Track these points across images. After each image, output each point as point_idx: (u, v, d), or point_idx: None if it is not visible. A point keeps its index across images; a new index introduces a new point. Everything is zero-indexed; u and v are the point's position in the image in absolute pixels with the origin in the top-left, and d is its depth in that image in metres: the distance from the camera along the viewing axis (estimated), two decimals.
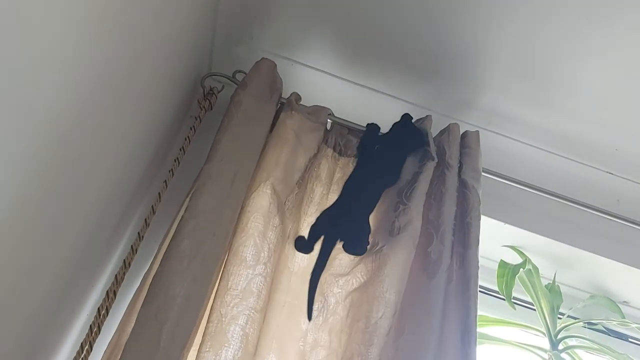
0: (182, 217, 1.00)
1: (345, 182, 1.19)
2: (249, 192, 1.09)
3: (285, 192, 1.12)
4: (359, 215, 1.15)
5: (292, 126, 1.20)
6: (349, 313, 1.05)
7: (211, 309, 0.97)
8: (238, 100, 1.16)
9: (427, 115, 1.31)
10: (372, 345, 0.98)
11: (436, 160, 1.23)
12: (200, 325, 0.98)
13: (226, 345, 0.93)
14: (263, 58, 1.25)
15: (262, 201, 1.08)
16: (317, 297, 1.07)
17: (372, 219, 1.16)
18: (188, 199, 1.04)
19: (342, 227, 1.12)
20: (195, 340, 0.97)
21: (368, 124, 1.29)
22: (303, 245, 1.11)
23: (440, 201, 1.17)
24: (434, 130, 1.33)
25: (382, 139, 1.27)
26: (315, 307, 1.06)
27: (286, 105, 1.25)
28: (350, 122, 1.30)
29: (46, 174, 0.70)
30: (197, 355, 0.93)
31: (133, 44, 0.85)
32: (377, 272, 1.06)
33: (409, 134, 1.26)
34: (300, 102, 1.29)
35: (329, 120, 1.29)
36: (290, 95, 1.26)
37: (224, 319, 0.95)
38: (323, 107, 1.29)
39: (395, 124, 1.28)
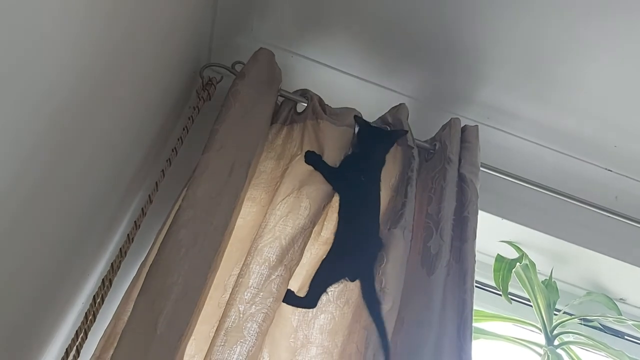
0: (180, 206, 1.00)
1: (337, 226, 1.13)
2: (279, 197, 1.10)
3: (321, 198, 1.13)
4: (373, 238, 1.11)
5: (321, 138, 1.19)
6: (343, 313, 1.05)
7: (228, 305, 0.98)
8: (236, 90, 1.16)
9: (401, 104, 1.30)
10: (370, 343, 0.98)
11: (415, 148, 1.23)
12: (212, 319, 0.99)
13: (242, 341, 0.94)
14: (261, 48, 1.24)
15: (294, 207, 1.09)
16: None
17: None
18: (185, 189, 1.04)
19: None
20: (202, 331, 0.98)
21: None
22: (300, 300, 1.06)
23: (440, 196, 1.17)
24: (433, 124, 1.32)
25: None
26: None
27: (309, 112, 1.23)
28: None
29: (43, 163, 0.70)
30: (209, 349, 0.93)
31: (133, 34, 0.85)
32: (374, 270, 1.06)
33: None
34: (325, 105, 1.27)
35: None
36: (311, 98, 1.25)
37: (242, 316, 0.96)
38: (348, 108, 1.27)
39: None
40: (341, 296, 1.07)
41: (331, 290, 1.07)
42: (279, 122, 1.24)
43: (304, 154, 1.16)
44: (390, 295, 1.03)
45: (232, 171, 1.06)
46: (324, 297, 1.06)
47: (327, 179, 1.14)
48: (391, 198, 1.18)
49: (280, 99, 1.27)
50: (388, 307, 1.02)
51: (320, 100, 1.26)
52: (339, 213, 1.13)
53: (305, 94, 1.27)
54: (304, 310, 1.05)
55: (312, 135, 1.20)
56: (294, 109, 1.27)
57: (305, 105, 1.25)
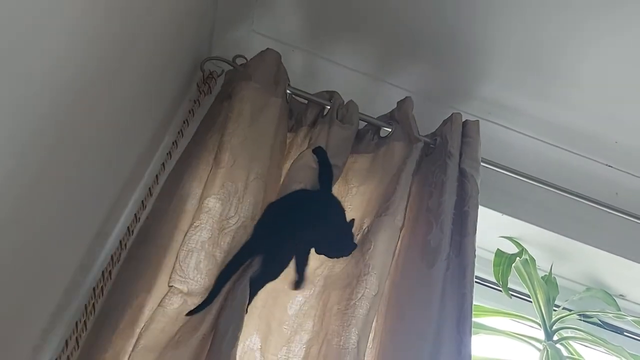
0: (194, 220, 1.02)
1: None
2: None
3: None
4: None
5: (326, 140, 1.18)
6: (333, 297, 1.06)
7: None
8: (243, 96, 1.14)
9: (406, 97, 1.28)
10: (350, 326, 0.99)
11: (422, 141, 1.23)
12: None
13: None
14: (268, 49, 1.23)
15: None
16: (309, 285, 1.08)
17: (362, 199, 1.17)
18: (200, 201, 1.04)
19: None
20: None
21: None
22: None
23: (440, 190, 1.16)
24: (433, 119, 1.32)
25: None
26: (305, 294, 1.07)
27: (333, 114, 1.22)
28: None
29: (37, 158, 0.70)
30: None
31: (133, 25, 0.85)
32: (362, 254, 1.07)
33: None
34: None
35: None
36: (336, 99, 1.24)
37: None
38: (352, 105, 1.25)
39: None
40: (331, 280, 1.08)
41: (320, 275, 1.09)
42: (307, 125, 1.24)
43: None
44: (372, 281, 1.03)
45: (247, 186, 1.06)
46: (319, 284, 1.08)
47: (321, 177, 1.11)
48: (384, 188, 1.17)
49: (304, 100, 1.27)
50: (371, 293, 1.02)
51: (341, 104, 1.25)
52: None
53: (331, 96, 1.26)
54: (302, 300, 1.07)
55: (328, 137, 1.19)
56: (321, 113, 1.26)
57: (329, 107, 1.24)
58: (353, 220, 1.11)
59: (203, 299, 0.94)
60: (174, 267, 0.96)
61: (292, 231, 1.03)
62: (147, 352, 0.89)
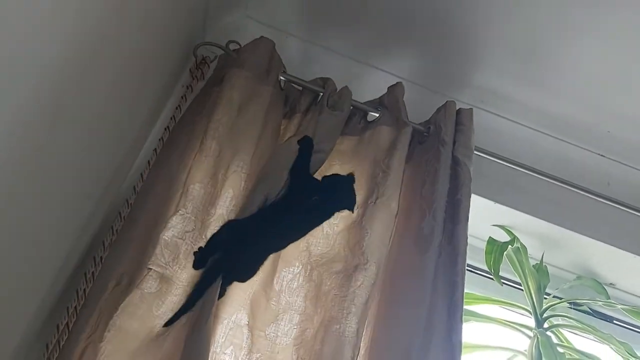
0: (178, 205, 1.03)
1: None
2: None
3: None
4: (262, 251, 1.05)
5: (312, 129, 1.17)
6: (326, 281, 1.05)
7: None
8: (234, 83, 1.14)
9: (397, 82, 1.28)
10: (350, 314, 0.99)
11: (410, 126, 1.22)
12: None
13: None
14: (262, 37, 1.22)
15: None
16: (294, 262, 1.08)
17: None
18: (183, 191, 1.04)
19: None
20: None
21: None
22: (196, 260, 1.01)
23: (433, 178, 1.16)
24: (427, 108, 1.32)
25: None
26: (291, 270, 1.07)
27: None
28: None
29: (22, 158, 0.69)
30: None
31: (124, 9, 0.83)
32: (357, 241, 1.07)
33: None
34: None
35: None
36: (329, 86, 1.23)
37: None
38: (345, 91, 1.24)
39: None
40: (325, 264, 1.08)
41: (315, 260, 1.08)
42: (300, 112, 1.23)
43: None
44: (371, 269, 1.04)
45: (227, 178, 1.06)
46: (308, 266, 1.07)
47: (294, 168, 1.10)
48: (373, 174, 1.17)
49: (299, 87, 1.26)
50: (369, 282, 1.02)
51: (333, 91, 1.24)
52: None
53: (325, 83, 1.25)
54: (289, 277, 1.07)
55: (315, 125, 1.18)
56: (315, 100, 1.25)
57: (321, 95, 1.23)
58: (352, 175, 1.11)
59: (179, 305, 0.95)
60: (154, 251, 0.96)
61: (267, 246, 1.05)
62: (122, 333, 0.89)
